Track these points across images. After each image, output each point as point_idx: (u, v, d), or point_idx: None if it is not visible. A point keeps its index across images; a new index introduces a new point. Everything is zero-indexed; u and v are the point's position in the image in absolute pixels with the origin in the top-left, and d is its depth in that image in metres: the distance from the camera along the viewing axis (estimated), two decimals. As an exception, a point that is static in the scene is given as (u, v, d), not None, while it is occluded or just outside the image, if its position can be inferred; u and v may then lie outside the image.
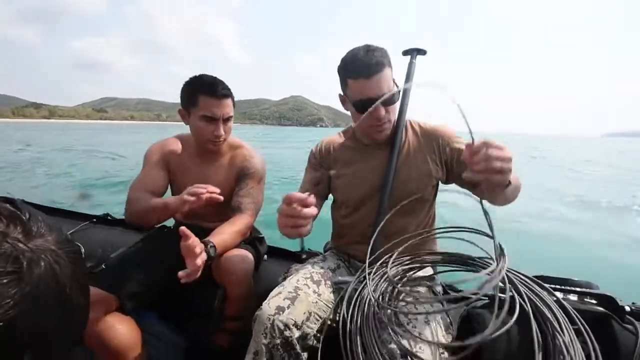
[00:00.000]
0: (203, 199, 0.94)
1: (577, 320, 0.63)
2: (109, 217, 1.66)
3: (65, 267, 0.34)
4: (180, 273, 0.79)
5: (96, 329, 0.97)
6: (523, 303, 0.61)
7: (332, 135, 1.13)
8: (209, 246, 0.94)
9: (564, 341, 0.57)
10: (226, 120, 1.13)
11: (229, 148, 1.26)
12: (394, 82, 0.94)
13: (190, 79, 1.12)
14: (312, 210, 0.67)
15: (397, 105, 0.99)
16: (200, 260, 0.83)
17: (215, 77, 1.11)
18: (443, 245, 1.06)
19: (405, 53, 1.10)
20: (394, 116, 0.98)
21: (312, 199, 0.67)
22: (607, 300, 0.70)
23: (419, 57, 1.09)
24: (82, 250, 1.45)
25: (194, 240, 0.83)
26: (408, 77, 1.05)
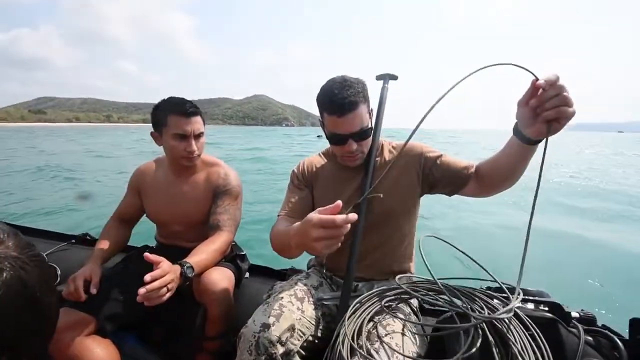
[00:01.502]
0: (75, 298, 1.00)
1: (530, 326, 0.70)
2: (88, 237, 1.64)
3: (31, 271, 0.35)
4: (140, 290, 0.78)
5: (74, 351, 0.95)
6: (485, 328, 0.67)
7: (313, 156, 1.17)
8: (185, 267, 0.95)
9: (518, 350, 0.63)
10: (197, 136, 1.16)
11: (204, 165, 1.28)
12: (369, 114, 0.97)
13: (159, 102, 1.17)
14: (350, 217, 0.61)
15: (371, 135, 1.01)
16: (166, 291, 0.85)
17: (183, 98, 1.17)
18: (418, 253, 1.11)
19: (378, 78, 1.14)
20: (367, 146, 1.01)
21: (338, 204, 0.62)
22: (554, 307, 0.78)
23: (391, 81, 1.14)
24: (59, 272, 1.42)
25: (162, 269, 0.85)
26: (381, 102, 1.09)
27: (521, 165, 0.81)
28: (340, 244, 0.64)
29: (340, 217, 0.60)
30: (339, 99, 0.90)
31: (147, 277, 0.80)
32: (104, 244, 1.20)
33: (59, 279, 1.40)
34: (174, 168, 1.25)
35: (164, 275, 0.84)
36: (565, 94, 0.62)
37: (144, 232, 1.50)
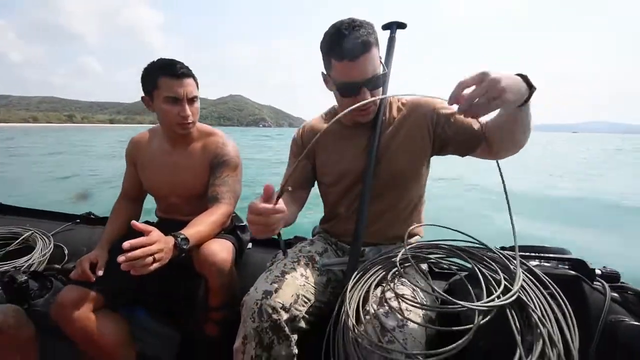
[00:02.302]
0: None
1: (549, 284, 0.65)
2: (92, 216, 1.64)
3: None
4: (120, 258, 0.76)
5: (83, 327, 0.97)
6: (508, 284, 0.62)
7: (314, 119, 1.11)
8: (179, 238, 0.92)
9: (534, 311, 0.58)
10: (191, 100, 1.10)
11: (200, 135, 1.22)
12: (380, 61, 0.88)
13: (148, 64, 1.10)
14: (279, 215, 0.66)
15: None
16: (152, 261, 0.81)
17: (173, 59, 1.10)
18: (429, 216, 1.07)
19: (385, 27, 1.04)
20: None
21: (280, 206, 0.65)
22: (578, 264, 0.72)
23: (398, 31, 1.04)
24: (66, 251, 1.43)
25: (149, 237, 0.82)
26: (389, 53, 1.00)
27: (514, 126, 0.74)
28: (281, 225, 0.69)
29: (264, 206, 0.63)
30: (350, 39, 0.79)
31: (126, 244, 0.76)
32: (111, 227, 1.19)
33: (66, 257, 1.42)
34: (169, 137, 1.20)
35: (150, 243, 0.81)
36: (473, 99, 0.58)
37: (145, 208, 1.48)
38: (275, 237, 0.74)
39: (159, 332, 1.21)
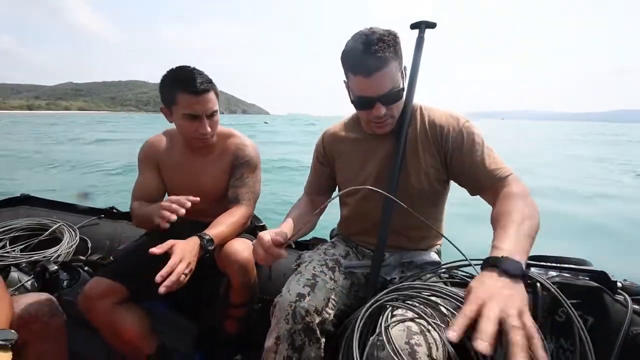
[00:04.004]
0: (180, 213, 0.92)
1: (570, 295, 0.66)
2: (114, 211, 1.69)
3: None
4: (161, 290, 0.79)
5: (108, 319, 1.01)
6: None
7: (336, 125, 1.09)
8: (205, 240, 0.95)
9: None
10: (210, 115, 1.08)
11: (220, 138, 1.21)
12: (402, 74, 0.85)
13: (167, 73, 1.06)
14: (280, 254, 0.80)
15: (403, 99, 0.89)
16: (185, 277, 0.86)
17: (194, 70, 1.05)
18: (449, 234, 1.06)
19: (413, 27, 0.98)
20: (399, 110, 0.89)
21: (283, 253, 0.80)
22: (599, 276, 0.73)
23: (427, 30, 0.98)
24: (89, 244, 1.49)
25: (175, 256, 0.86)
26: (417, 55, 0.94)
27: None
28: (268, 263, 0.82)
29: (271, 247, 0.79)
30: (365, 55, 0.78)
31: (158, 279, 0.79)
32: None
33: (89, 250, 1.47)
34: (188, 145, 1.20)
35: (177, 262, 0.84)
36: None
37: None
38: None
39: (178, 324, 1.25)
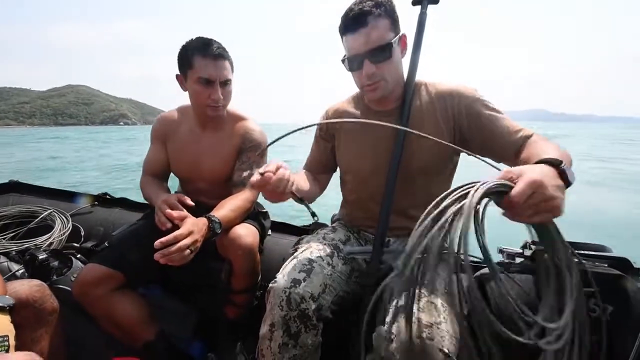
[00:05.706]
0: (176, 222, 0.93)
1: (588, 283, 0.63)
2: (107, 197, 1.64)
3: None
4: (156, 255, 0.79)
5: (104, 306, 0.99)
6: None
7: (340, 102, 1.06)
8: (214, 222, 0.93)
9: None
10: (223, 83, 1.09)
11: (230, 119, 1.21)
12: (397, 37, 0.84)
13: (186, 42, 1.09)
14: (280, 177, 0.72)
15: (396, 60, 0.87)
16: (190, 252, 0.84)
17: (211, 38, 1.08)
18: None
19: (415, 2, 0.97)
20: (393, 73, 0.87)
21: (279, 173, 0.72)
22: (621, 263, 0.69)
23: (430, 6, 0.96)
24: (82, 232, 1.44)
25: (185, 228, 0.84)
26: (419, 30, 0.93)
27: None
28: (281, 192, 0.74)
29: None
30: (353, 13, 0.81)
31: (157, 244, 0.78)
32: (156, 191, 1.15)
33: (82, 238, 1.43)
34: (199, 120, 1.19)
35: (184, 236, 0.82)
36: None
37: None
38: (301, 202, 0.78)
39: (177, 311, 1.22)
